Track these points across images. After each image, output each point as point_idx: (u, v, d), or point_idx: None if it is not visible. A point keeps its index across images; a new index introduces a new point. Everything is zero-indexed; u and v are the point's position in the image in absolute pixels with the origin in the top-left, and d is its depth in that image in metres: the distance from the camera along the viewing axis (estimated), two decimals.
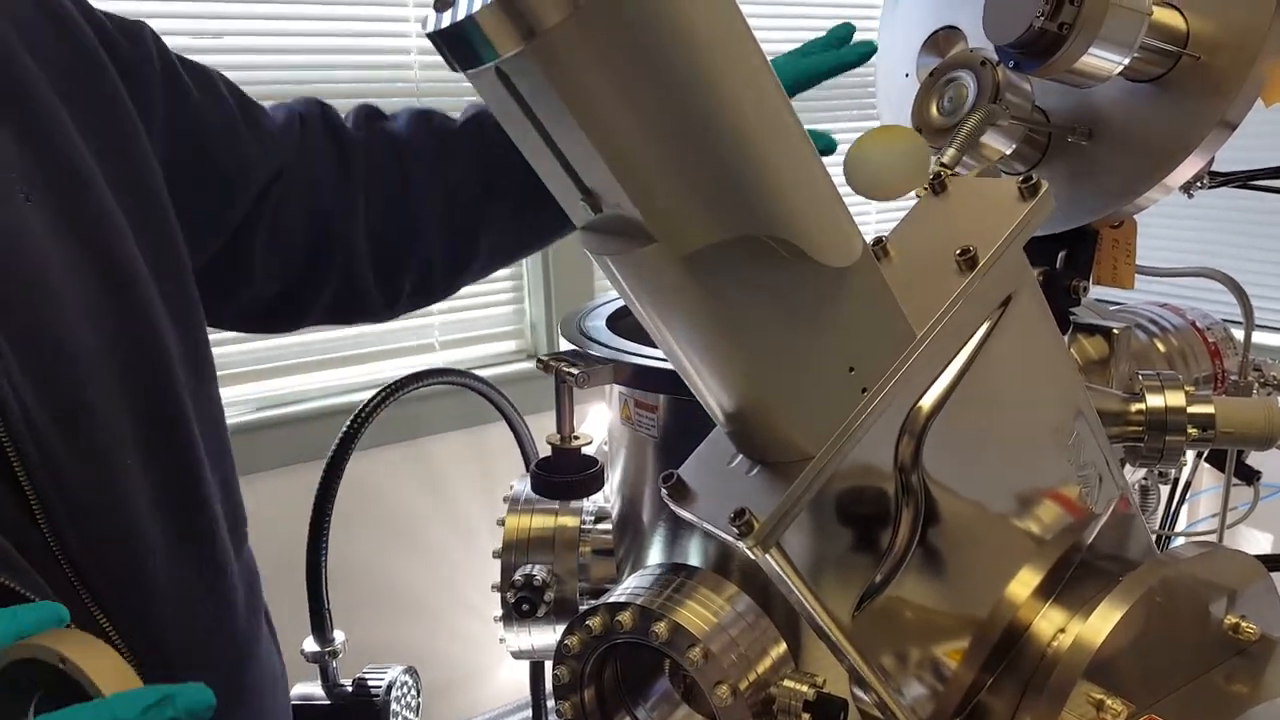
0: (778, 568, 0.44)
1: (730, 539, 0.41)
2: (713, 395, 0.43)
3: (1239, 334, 0.96)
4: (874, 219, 2.19)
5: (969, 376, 0.48)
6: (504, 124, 0.37)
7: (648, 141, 0.34)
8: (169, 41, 1.45)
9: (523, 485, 0.86)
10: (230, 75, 1.46)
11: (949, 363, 0.46)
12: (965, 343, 0.46)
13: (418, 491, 1.66)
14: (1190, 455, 1.01)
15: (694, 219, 0.36)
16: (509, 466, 1.30)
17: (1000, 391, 0.51)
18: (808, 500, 0.42)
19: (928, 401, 0.47)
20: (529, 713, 1.07)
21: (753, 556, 0.42)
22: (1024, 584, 0.59)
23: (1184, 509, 1.11)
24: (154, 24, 1.43)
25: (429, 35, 0.34)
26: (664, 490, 0.46)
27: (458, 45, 0.34)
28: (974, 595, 0.57)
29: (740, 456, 0.45)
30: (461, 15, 0.32)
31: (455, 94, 1.67)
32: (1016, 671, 0.58)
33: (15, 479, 0.49)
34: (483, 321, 1.77)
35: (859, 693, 0.65)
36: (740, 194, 0.36)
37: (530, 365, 1.81)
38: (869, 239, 0.50)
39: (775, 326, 0.39)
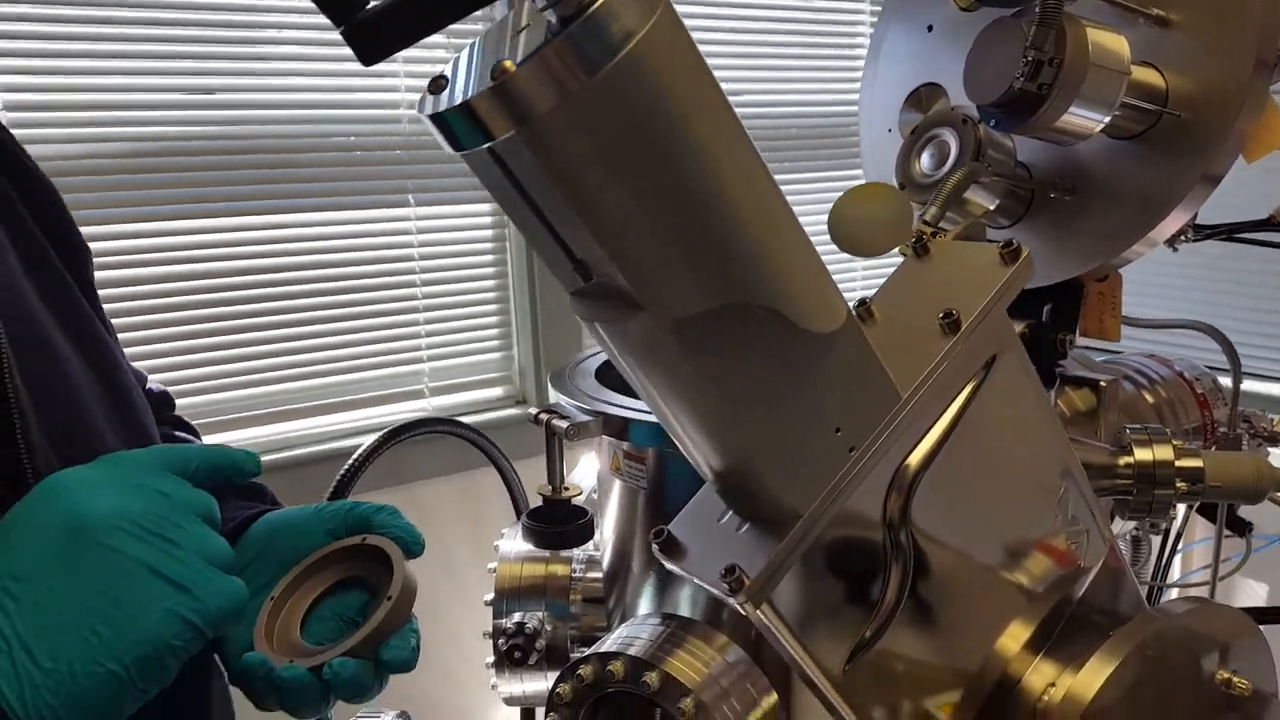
0: (769, 623, 0.44)
1: (721, 595, 0.42)
2: (701, 455, 0.43)
3: (1227, 382, 0.97)
4: (860, 278, 2.21)
5: (955, 435, 0.49)
6: (495, 198, 0.38)
7: (636, 216, 0.35)
8: (161, 99, 1.47)
9: (514, 533, 0.86)
10: (221, 131, 1.49)
11: (935, 422, 0.47)
12: (950, 402, 0.47)
13: None
14: (1181, 507, 1.01)
15: (681, 289, 0.37)
16: (499, 512, 1.29)
17: (987, 449, 0.52)
18: (797, 558, 0.42)
19: (915, 459, 0.48)
20: None
21: (744, 613, 0.43)
22: (1014, 637, 0.59)
23: (1177, 560, 1.11)
24: (150, 81, 1.46)
25: (427, 116, 0.35)
26: (655, 545, 0.46)
27: (451, 129, 0.34)
28: (965, 648, 0.57)
29: (730, 513, 0.45)
30: (457, 100, 0.33)
31: (442, 146, 1.69)
32: None
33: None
34: (472, 368, 1.78)
35: None
36: (726, 265, 0.37)
37: (518, 411, 1.81)
38: (855, 298, 0.51)
39: (762, 390, 0.40)
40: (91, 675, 0.44)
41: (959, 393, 0.47)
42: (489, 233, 1.75)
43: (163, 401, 0.81)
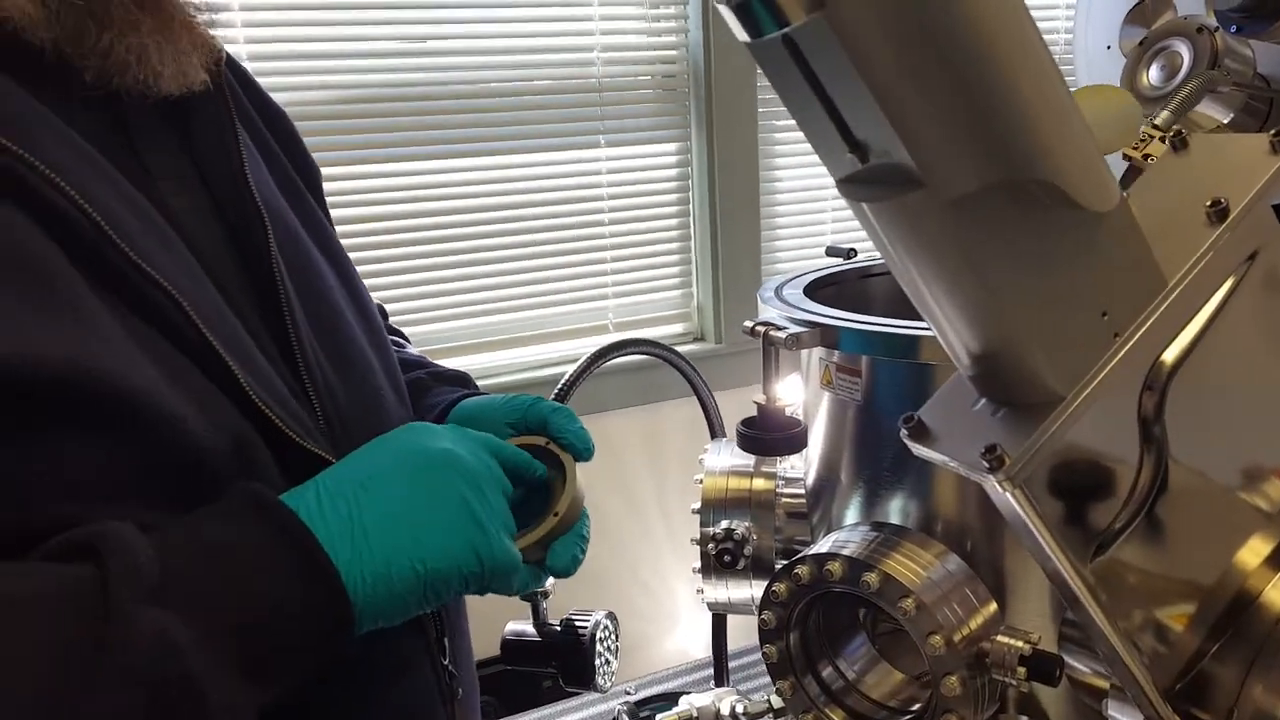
0: (1019, 508, 0.46)
1: (979, 475, 0.43)
2: (961, 339, 0.45)
3: None
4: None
5: (1211, 332, 0.48)
6: (777, 88, 0.40)
7: (924, 92, 0.37)
8: (380, 46, 1.57)
9: (717, 448, 0.90)
10: (430, 76, 1.58)
11: (1194, 315, 0.47)
12: (1212, 295, 0.47)
13: (596, 466, 1.73)
14: None
15: (963, 164, 0.38)
16: (680, 446, 1.33)
17: (1241, 351, 0.51)
18: (1058, 440, 0.43)
19: (1170, 355, 0.48)
20: (709, 671, 1.12)
21: (998, 492, 0.44)
22: (1254, 552, 0.58)
23: None
24: (365, 31, 1.55)
25: (724, 4, 0.38)
26: (904, 430, 0.48)
27: (750, 16, 0.37)
28: (1200, 562, 0.56)
29: (983, 400, 0.46)
30: None
31: (633, 87, 1.73)
32: (1245, 640, 0.57)
33: (312, 403, 0.61)
34: (653, 305, 1.84)
35: (1068, 657, 0.66)
36: (1009, 139, 0.38)
37: (696, 347, 1.85)
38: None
39: (1033, 270, 0.41)
40: (402, 568, 0.51)
41: (1221, 285, 0.47)
42: (674, 172, 1.79)
43: (381, 312, 0.89)
